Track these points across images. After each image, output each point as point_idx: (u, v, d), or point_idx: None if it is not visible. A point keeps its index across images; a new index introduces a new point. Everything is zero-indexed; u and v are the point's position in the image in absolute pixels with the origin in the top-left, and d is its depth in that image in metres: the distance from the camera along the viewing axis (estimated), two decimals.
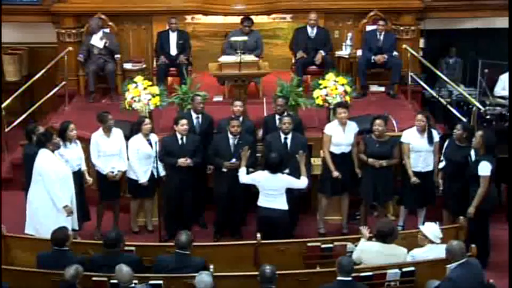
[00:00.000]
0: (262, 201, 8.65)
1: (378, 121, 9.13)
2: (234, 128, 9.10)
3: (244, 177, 8.75)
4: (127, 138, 9.45)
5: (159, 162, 9.24)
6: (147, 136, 9.34)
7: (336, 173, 9.27)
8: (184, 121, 9.22)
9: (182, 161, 9.12)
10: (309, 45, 11.74)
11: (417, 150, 9.18)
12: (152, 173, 9.35)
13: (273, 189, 8.58)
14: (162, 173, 9.34)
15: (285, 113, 9.54)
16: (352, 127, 9.37)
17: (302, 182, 8.70)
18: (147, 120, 9.40)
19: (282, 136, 9.15)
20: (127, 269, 6.86)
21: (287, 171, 8.83)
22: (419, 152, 9.18)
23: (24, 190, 8.86)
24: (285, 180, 8.63)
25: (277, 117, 9.55)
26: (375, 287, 7.31)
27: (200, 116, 9.66)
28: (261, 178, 8.65)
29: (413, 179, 9.12)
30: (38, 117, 11.70)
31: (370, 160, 9.13)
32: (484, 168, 8.43)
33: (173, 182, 9.27)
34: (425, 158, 9.19)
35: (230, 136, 9.15)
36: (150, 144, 9.30)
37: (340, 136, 9.30)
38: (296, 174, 8.81)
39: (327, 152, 9.36)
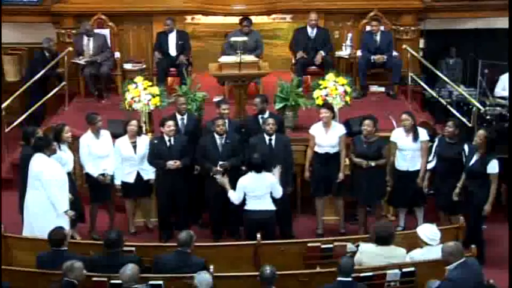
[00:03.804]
0: (250, 205, 8.65)
1: (366, 121, 9.13)
2: (219, 127, 9.10)
3: (233, 195, 8.70)
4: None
5: (149, 166, 9.27)
6: (133, 138, 9.31)
7: (306, 174, 9.37)
8: (170, 122, 9.19)
9: (171, 164, 9.09)
10: (309, 46, 11.74)
11: (403, 149, 9.22)
12: (139, 174, 9.34)
13: (260, 190, 8.59)
14: (150, 176, 9.34)
15: (267, 113, 9.53)
16: (338, 129, 9.36)
17: (280, 191, 8.70)
18: (132, 122, 9.33)
19: (267, 138, 9.14)
20: (132, 270, 6.80)
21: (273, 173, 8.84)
22: (404, 151, 9.22)
23: (19, 192, 8.85)
24: (271, 179, 8.64)
25: (259, 116, 9.53)
26: (375, 287, 7.31)
27: (185, 116, 9.64)
28: (247, 181, 8.64)
29: (388, 179, 9.26)
30: (41, 118, 11.69)
31: (357, 160, 9.13)
32: (494, 166, 8.49)
33: (165, 185, 9.25)
34: (412, 157, 9.21)
35: (217, 136, 9.15)
36: (135, 146, 9.29)
37: (323, 137, 9.31)
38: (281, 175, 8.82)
39: (309, 151, 9.41)
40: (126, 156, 9.30)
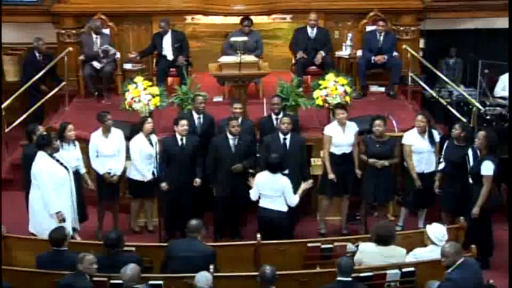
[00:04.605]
0: (262, 202, 8.66)
1: (377, 121, 9.15)
2: (234, 128, 9.09)
3: (251, 191, 8.73)
4: (128, 138, 9.45)
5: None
6: (148, 136, 9.34)
7: (331, 176, 9.29)
8: (184, 122, 9.20)
9: (163, 186, 9.13)
10: (309, 46, 11.73)
11: (419, 151, 9.20)
12: (153, 173, 9.36)
13: (272, 190, 8.57)
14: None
15: (281, 113, 9.54)
16: (352, 127, 9.37)
17: (294, 199, 8.65)
18: (149, 120, 9.40)
19: (281, 136, 9.14)
20: (133, 270, 6.79)
21: (286, 171, 8.82)
22: (421, 153, 9.21)
23: (24, 190, 8.86)
24: (283, 183, 8.60)
25: (274, 117, 9.54)
26: (375, 287, 7.30)
27: (201, 116, 9.66)
28: (261, 179, 8.65)
29: (419, 183, 9.18)
30: (41, 118, 11.71)
31: (371, 160, 9.13)
32: (487, 168, 8.46)
33: (172, 184, 9.23)
34: (428, 158, 9.22)
35: (230, 137, 9.14)
36: (151, 144, 9.31)
37: (340, 137, 9.30)
38: (294, 175, 8.81)
39: (326, 153, 9.37)
40: (147, 154, 9.28)
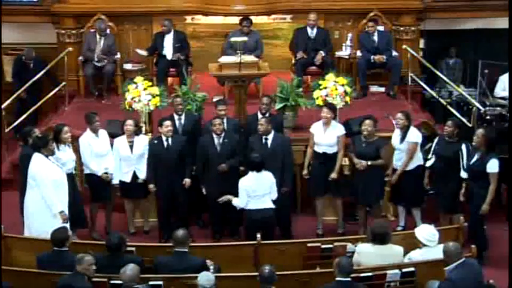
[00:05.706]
0: (251, 205, 8.66)
1: (367, 121, 9.15)
2: (215, 126, 9.12)
3: (238, 201, 8.72)
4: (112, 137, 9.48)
5: (144, 166, 9.29)
6: (130, 137, 9.33)
7: (304, 171, 9.41)
8: (167, 122, 9.21)
9: (151, 187, 9.22)
10: (309, 46, 11.74)
11: (394, 147, 9.31)
12: (136, 174, 9.36)
13: (261, 188, 8.62)
14: (142, 176, 9.36)
15: (267, 114, 9.53)
16: (336, 129, 9.36)
17: (276, 195, 8.77)
18: (128, 122, 9.36)
19: (263, 137, 9.16)
20: (133, 270, 6.79)
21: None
22: (395, 150, 9.31)
23: (20, 191, 8.86)
24: (271, 178, 8.69)
25: (260, 117, 9.54)
26: (375, 287, 7.30)
27: (182, 116, 9.65)
28: (248, 182, 8.66)
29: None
30: (40, 118, 11.71)
31: (355, 160, 9.15)
32: (493, 166, 8.48)
33: (164, 185, 9.25)
34: (400, 157, 9.26)
35: (215, 136, 9.16)
36: (132, 146, 9.30)
37: (321, 136, 9.33)
38: (276, 175, 8.83)
39: (309, 150, 9.45)
40: (124, 156, 9.32)
